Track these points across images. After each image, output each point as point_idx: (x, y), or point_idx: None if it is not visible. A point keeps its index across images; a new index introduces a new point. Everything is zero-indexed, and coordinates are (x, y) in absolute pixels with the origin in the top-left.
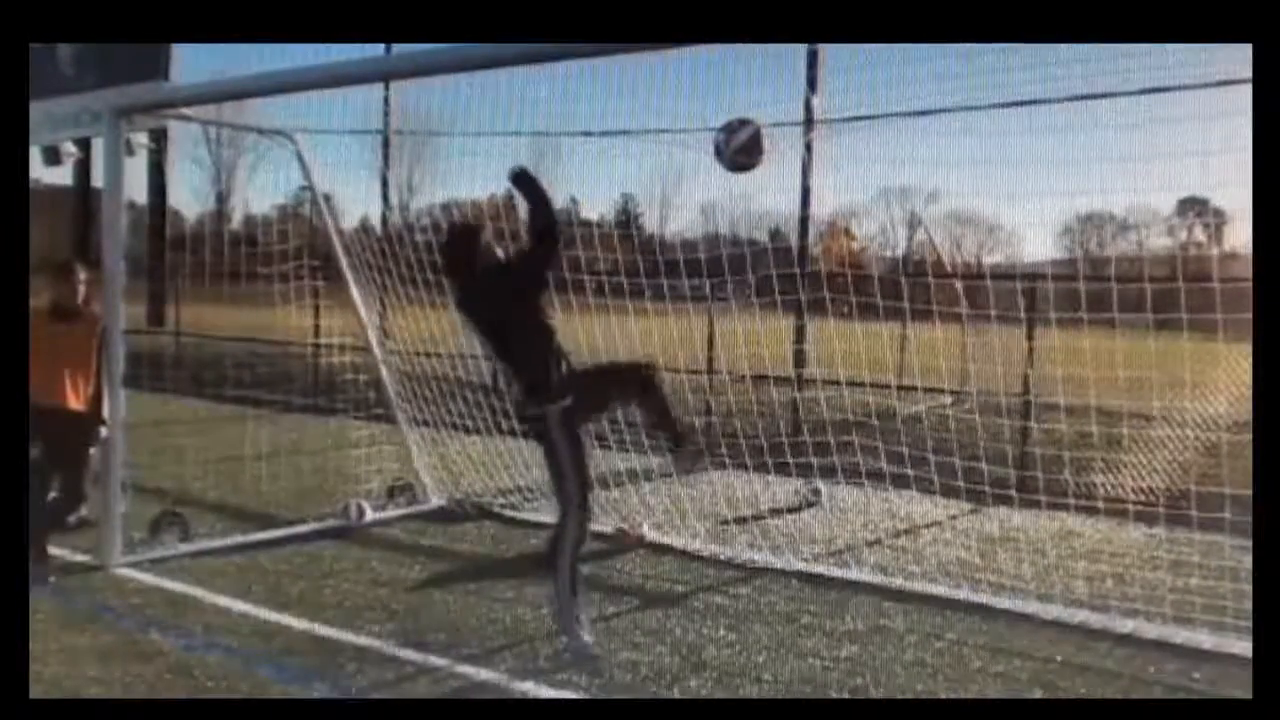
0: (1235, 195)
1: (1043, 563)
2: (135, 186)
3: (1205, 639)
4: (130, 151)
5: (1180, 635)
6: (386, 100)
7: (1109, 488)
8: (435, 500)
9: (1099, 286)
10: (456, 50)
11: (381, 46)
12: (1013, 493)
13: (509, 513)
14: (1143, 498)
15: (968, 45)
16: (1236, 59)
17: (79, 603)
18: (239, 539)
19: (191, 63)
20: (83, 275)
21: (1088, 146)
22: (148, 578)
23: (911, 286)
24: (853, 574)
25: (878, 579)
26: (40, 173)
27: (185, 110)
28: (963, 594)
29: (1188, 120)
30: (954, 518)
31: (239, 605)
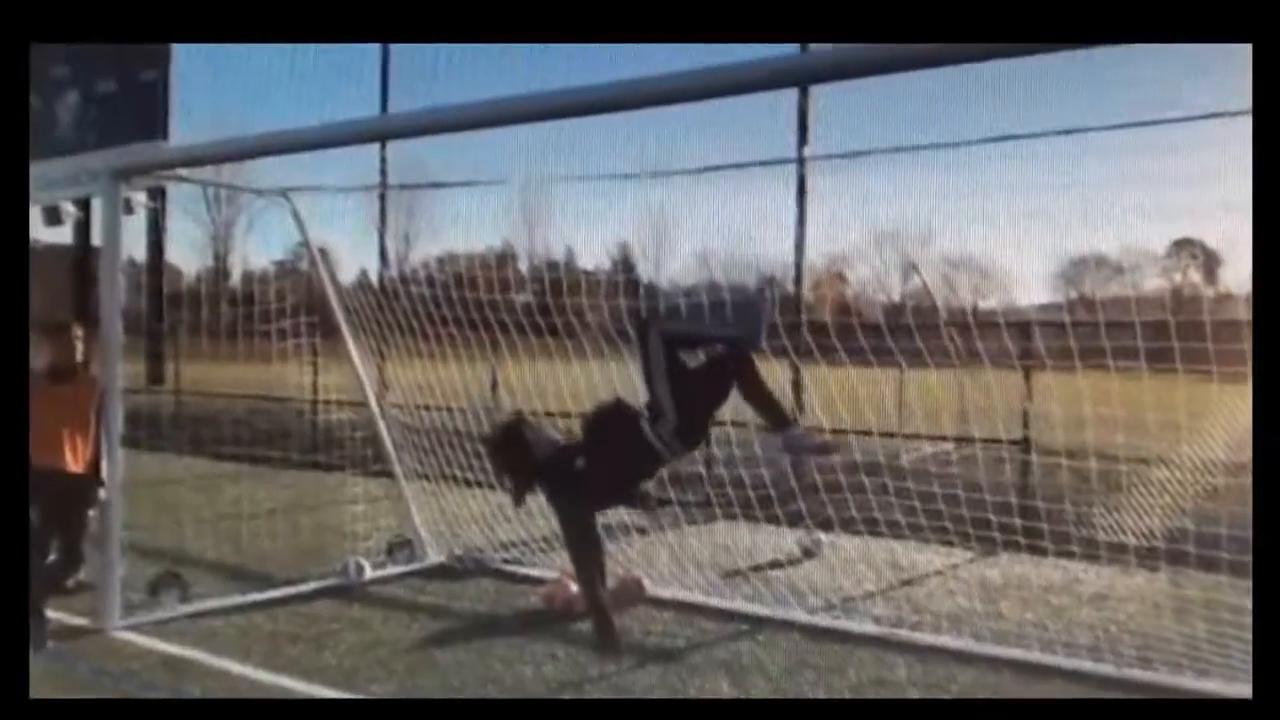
0: (1229, 232)
1: (1046, 611)
2: (134, 244)
3: (1217, 686)
4: (129, 210)
5: (1191, 683)
6: (383, 157)
7: (1110, 531)
8: (435, 557)
9: (1094, 330)
10: (449, 111)
11: (376, 96)
12: (1018, 537)
13: (509, 568)
14: (1144, 543)
15: (962, 89)
16: (1230, 91)
17: (77, 667)
18: (238, 599)
19: (189, 122)
20: (79, 335)
21: (1083, 187)
22: (146, 640)
23: (907, 332)
24: (855, 626)
25: (881, 630)
26: (40, 232)
27: (182, 171)
28: (966, 644)
29: (1184, 148)
30: (955, 566)
31: (237, 668)
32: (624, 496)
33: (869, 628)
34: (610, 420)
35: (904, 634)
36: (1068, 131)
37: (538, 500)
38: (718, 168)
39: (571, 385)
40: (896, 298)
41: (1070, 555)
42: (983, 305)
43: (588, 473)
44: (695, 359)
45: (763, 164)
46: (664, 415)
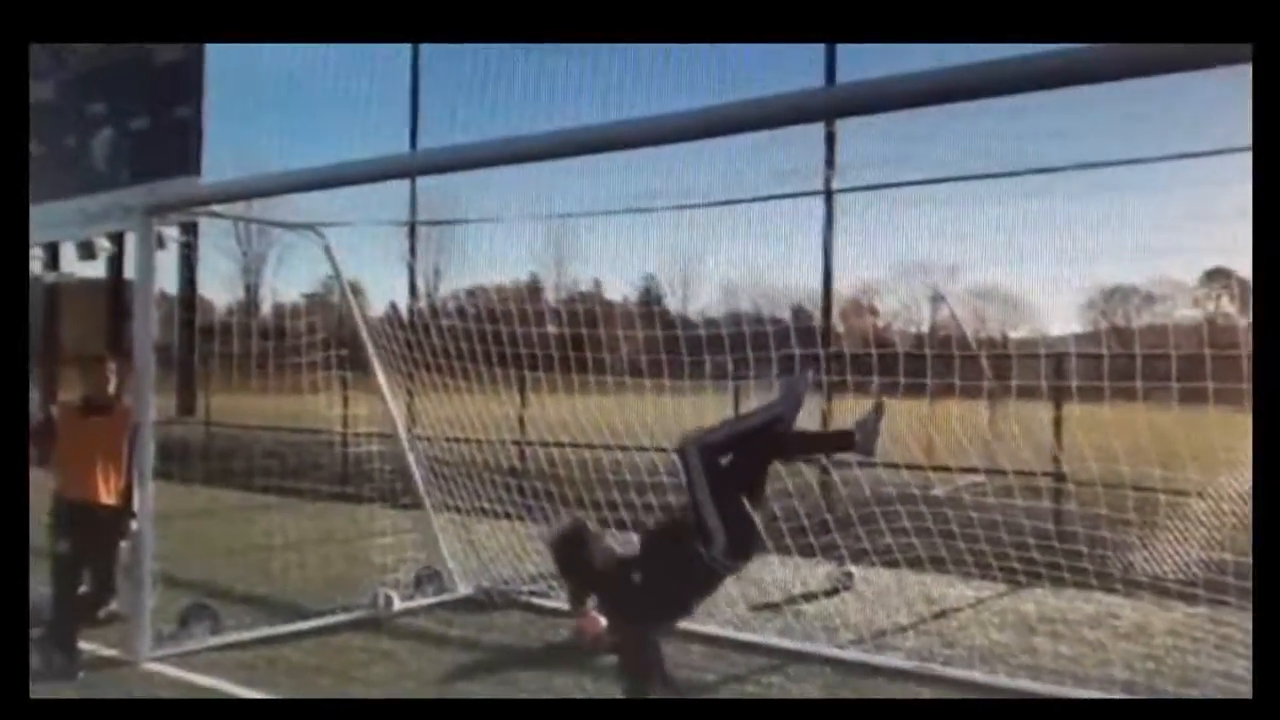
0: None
1: (1081, 645)
2: (165, 277)
3: None
4: (161, 245)
5: None
6: (413, 191)
7: (1147, 564)
8: (463, 588)
9: (1126, 361)
10: (477, 148)
11: (405, 130)
12: (1059, 559)
13: (537, 601)
14: (1182, 576)
15: (989, 120)
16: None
17: (107, 698)
18: (267, 631)
19: (221, 158)
20: (113, 368)
21: (1109, 219)
22: (176, 672)
23: (936, 363)
24: (886, 660)
25: (912, 665)
26: (74, 266)
27: (215, 207)
28: (999, 680)
29: (1210, 184)
30: (988, 599)
31: (266, 699)
32: (679, 614)
33: (900, 662)
34: (668, 540)
35: (936, 668)
36: (1098, 165)
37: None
38: (746, 200)
39: (596, 417)
40: (925, 329)
41: (1106, 588)
42: (1012, 335)
43: (644, 589)
44: (729, 456)
45: (790, 196)
46: (713, 538)
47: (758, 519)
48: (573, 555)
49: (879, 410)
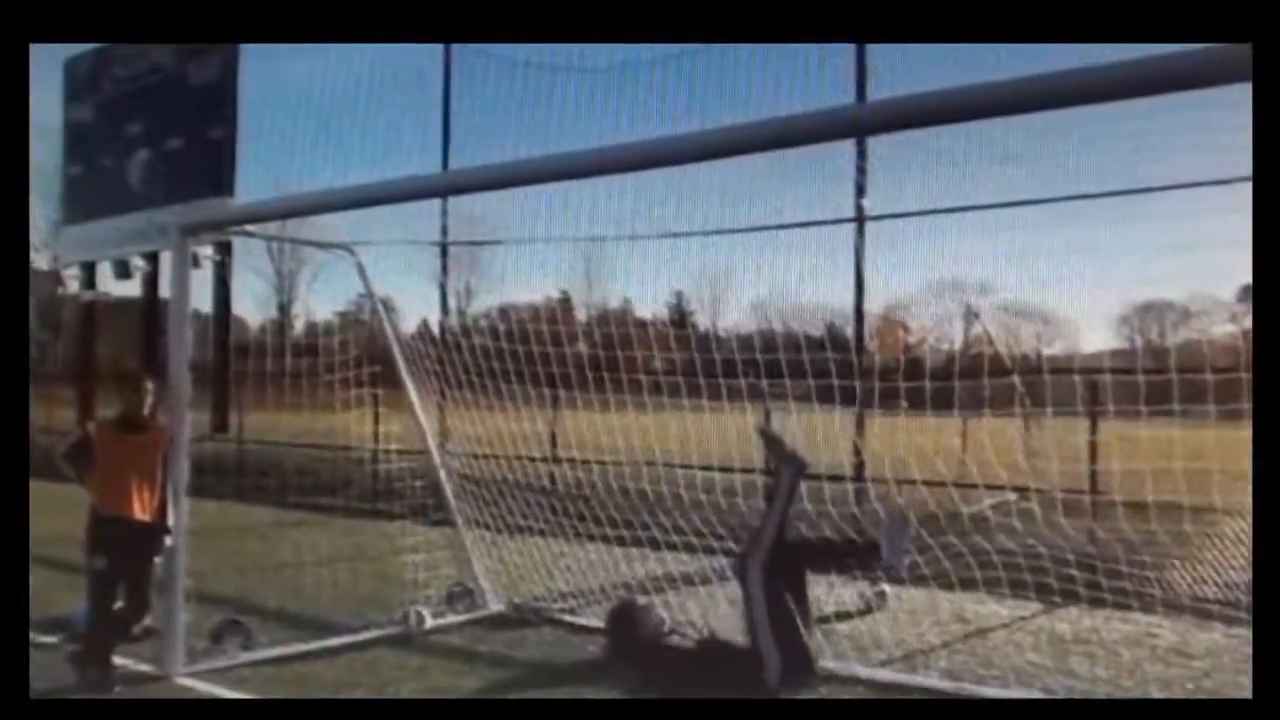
0: None
1: (1118, 666)
2: (200, 296)
3: None
4: (196, 264)
5: None
6: (445, 211)
7: (1186, 584)
8: (494, 605)
9: (1162, 377)
10: (508, 167)
11: (438, 156)
12: (1102, 582)
13: (568, 618)
14: (1223, 597)
15: (1015, 140)
16: None
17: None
18: (299, 647)
19: (253, 178)
20: (150, 386)
21: (1140, 236)
22: (208, 687)
23: (969, 380)
24: (920, 679)
25: (947, 685)
26: (110, 285)
27: (249, 226)
28: (1035, 698)
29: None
30: (1023, 619)
31: None
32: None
33: (934, 682)
34: (723, 654)
35: (969, 688)
36: (1132, 191)
37: (595, 548)
38: (776, 226)
39: (631, 436)
40: (958, 346)
41: (1145, 608)
42: (1046, 352)
43: (686, 661)
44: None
45: (821, 223)
46: (767, 664)
47: (813, 646)
48: (622, 628)
49: (905, 524)
